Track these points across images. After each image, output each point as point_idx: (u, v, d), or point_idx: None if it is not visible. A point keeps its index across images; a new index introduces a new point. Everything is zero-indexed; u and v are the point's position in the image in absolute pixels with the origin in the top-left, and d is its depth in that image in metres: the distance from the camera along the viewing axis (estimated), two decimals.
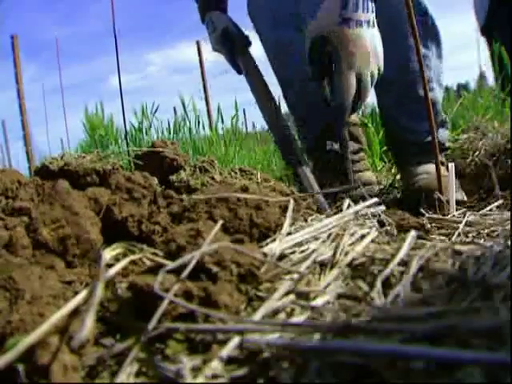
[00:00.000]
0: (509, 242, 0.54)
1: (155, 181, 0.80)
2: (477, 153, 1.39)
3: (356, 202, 0.74)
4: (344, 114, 1.04)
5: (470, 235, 0.70)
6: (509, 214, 0.82)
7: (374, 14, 0.98)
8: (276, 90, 1.38)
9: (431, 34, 1.25)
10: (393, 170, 1.73)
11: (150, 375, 0.37)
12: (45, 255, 0.54)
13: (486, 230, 0.71)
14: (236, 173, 0.96)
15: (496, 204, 0.97)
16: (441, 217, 0.84)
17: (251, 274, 0.47)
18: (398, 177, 1.46)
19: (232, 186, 0.67)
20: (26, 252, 0.53)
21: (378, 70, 1.01)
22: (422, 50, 1.04)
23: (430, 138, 1.10)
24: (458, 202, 0.99)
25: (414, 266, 0.50)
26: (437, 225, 0.79)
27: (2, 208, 0.61)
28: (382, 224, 0.70)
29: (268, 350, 0.36)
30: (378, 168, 1.95)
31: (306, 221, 0.70)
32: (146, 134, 2.75)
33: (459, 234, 0.70)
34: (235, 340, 0.38)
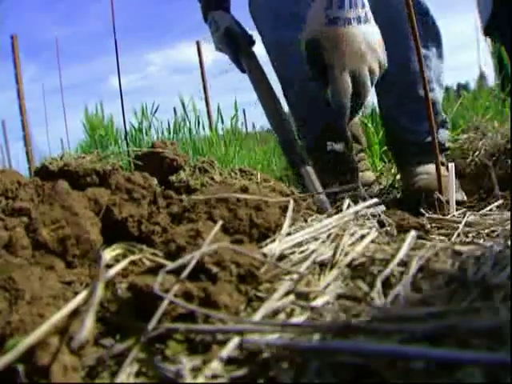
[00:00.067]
0: (509, 242, 0.54)
1: (155, 181, 0.80)
2: (477, 153, 1.39)
3: (356, 202, 0.74)
4: (343, 115, 1.04)
5: (470, 235, 0.70)
6: (509, 213, 0.82)
7: (367, 8, 0.93)
8: (277, 89, 1.37)
9: (432, 35, 1.24)
10: (393, 170, 1.73)
11: (149, 375, 0.37)
12: (45, 256, 0.53)
13: (486, 230, 0.71)
14: (236, 173, 0.96)
15: (496, 204, 0.97)
16: (441, 217, 0.84)
17: (251, 274, 0.47)
18: (398, 177, 1.46)
19: (232, 187, 0.67)
20: (25, 252, 0.53)
21: (380, 64, 0.96)
22: (423, 51, 1.03)
23: (430, 138, 1.09)
24: (458, 202, 0.99)
25: (414, 266, 0.50)
26: (437, 225, 0.79)
27: (1, 208, 0.61)
28: (381, 224, 0.70)
29: (268, 350, 0.36)
30: (378, 168, 1.95)
31: (305, 221, 0.70)
32: (146, 134, 2.75)
33: (459, 234, 0.70)
34: (235, 340, 0.38)
